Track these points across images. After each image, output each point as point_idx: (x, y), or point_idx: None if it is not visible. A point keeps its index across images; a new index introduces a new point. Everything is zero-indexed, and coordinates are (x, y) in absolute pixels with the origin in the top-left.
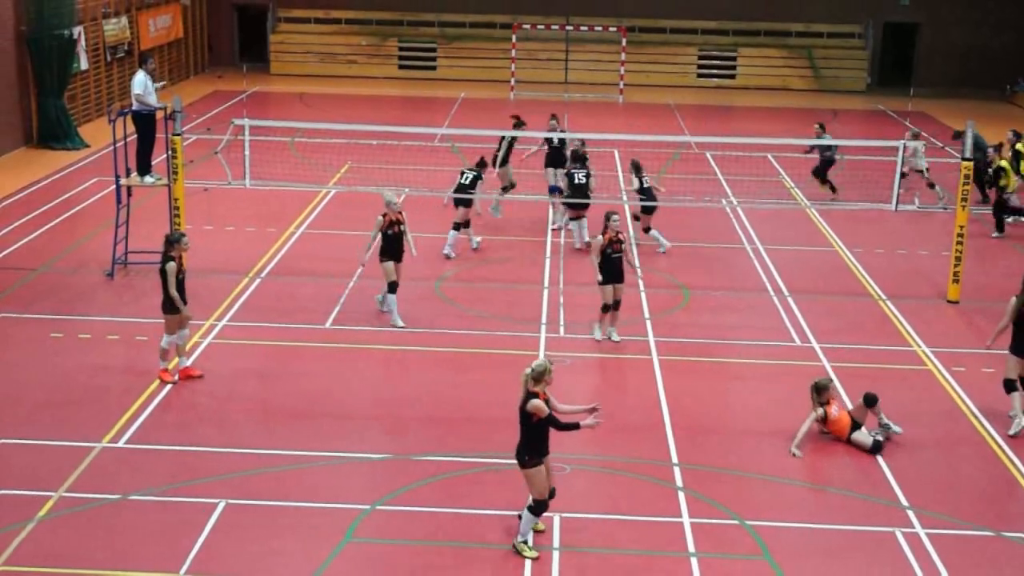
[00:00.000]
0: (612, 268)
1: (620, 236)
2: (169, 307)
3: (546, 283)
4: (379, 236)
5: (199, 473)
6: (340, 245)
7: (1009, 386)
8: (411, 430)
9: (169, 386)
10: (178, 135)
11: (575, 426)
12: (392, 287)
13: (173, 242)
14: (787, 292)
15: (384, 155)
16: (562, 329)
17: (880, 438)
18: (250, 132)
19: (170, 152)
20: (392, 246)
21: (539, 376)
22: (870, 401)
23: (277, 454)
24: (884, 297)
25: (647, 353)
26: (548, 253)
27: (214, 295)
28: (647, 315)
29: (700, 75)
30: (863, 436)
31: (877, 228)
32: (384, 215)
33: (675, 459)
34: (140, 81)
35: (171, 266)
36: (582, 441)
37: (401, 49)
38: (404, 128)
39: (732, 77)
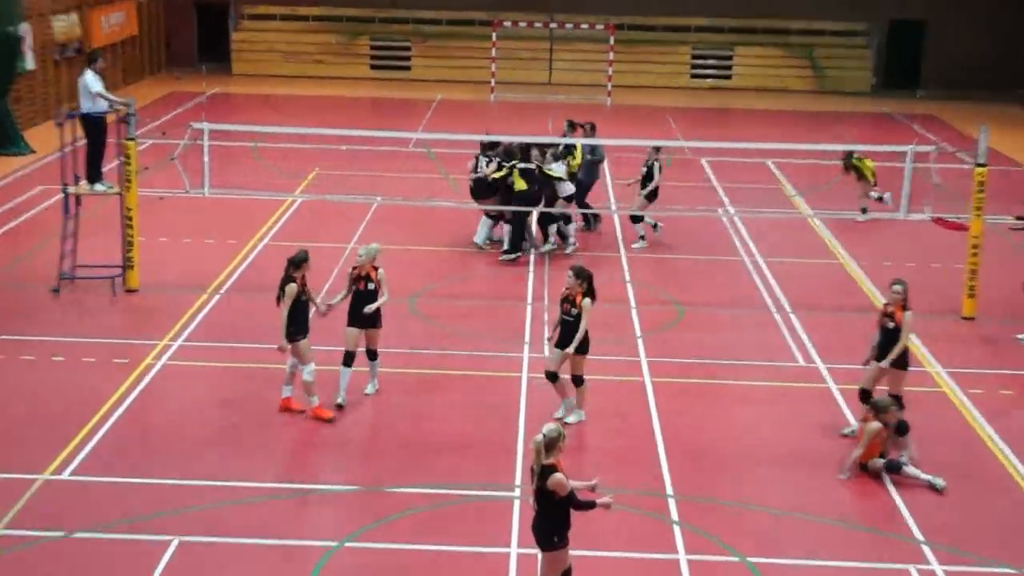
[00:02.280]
0: (562, 331)
1: (572, 295)
2: (294, 332)
3: (530, 299)
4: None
5: (151, 508)
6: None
7: None
8: (384, 459)
9: (119, 412)
10: (132, 140)
11: (591, 505)
12: (348, 359)
13: (296, 263)
14: (789, 308)
15: (355, 161)
16: (546, 348)
17: (903, 459)
18: (210, 137)
19: (123, 158)
20: (359, 306)
21: (552, 444)
22: (902, 430)
23: (237, 486)
24: None
25: (638, 374)
26: (532, 267)
27: (170, 312)
28: (639, 333)
29: (694, 76)
30: (878, 462)
31: (885, 238)
32: (354, 268)
33: (670, 490)
34: (92, 79)
35: (291, 288)
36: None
37: (373, 48)
38: (376, 132)
39: (728, 78)
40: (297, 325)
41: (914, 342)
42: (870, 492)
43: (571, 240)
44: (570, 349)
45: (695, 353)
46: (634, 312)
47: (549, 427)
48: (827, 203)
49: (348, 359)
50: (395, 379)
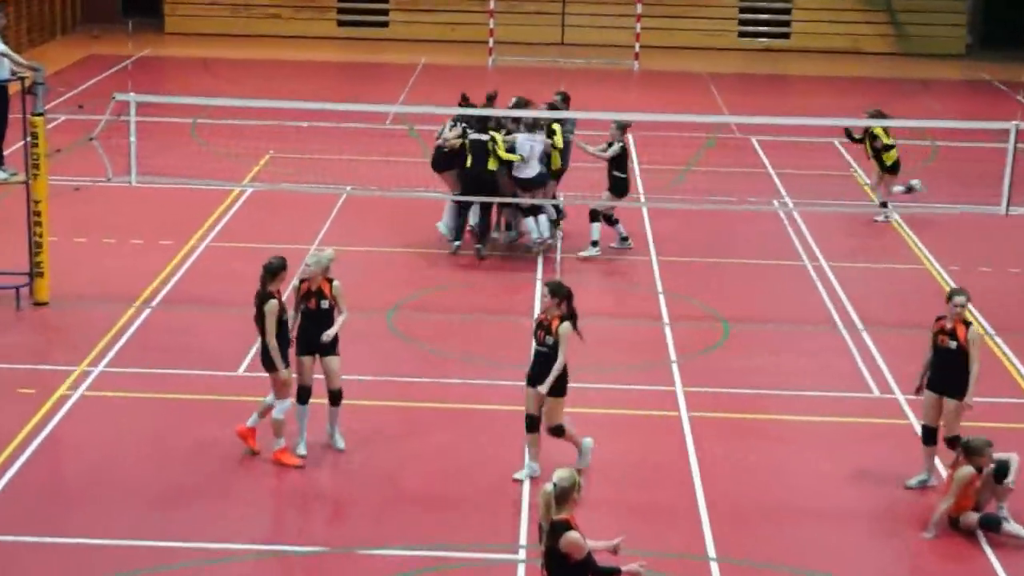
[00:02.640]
0: (535, 365)
1: (548, 320)
2: (271, 361)
3: (536, 313)
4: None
5: (68, 575)
6: (258, 263)
7: None
8: (355, 514)
9: (25, 456)
10: (40, 115)
11: (615, 571)
12: (303, 394)
13: (273, 272)
14: (861, 325)
15: (318, 141)
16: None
17: (1003, 514)
18: (137, 111)
19: (29, 138)
20: (311, 330)
21: (565, 495)
22: (1001, 473)
23: (175, 547)
24: (991, 331)
25: (674, 408)
26: (539, 273)
27: (88, 331)
28: (674, 357)
29: (743, 34)
30: (971, 517)
31: (982, 239)
32: (302, 281)
33: (712, 552)
34: None
35: (271, 306)
36: (594, 527)
37: (341, 0)
38: (345, 106)
39: (786, 36)
40: (281, 350)
41: (1018, 367)
42: (961, 554)
43: (534, 236)
44: (542, 388)
45: (743, 382)
46: (668, 331)
47: (561, 474)
48: (911, 195)
49: (303, 394)
50: (373, 414)
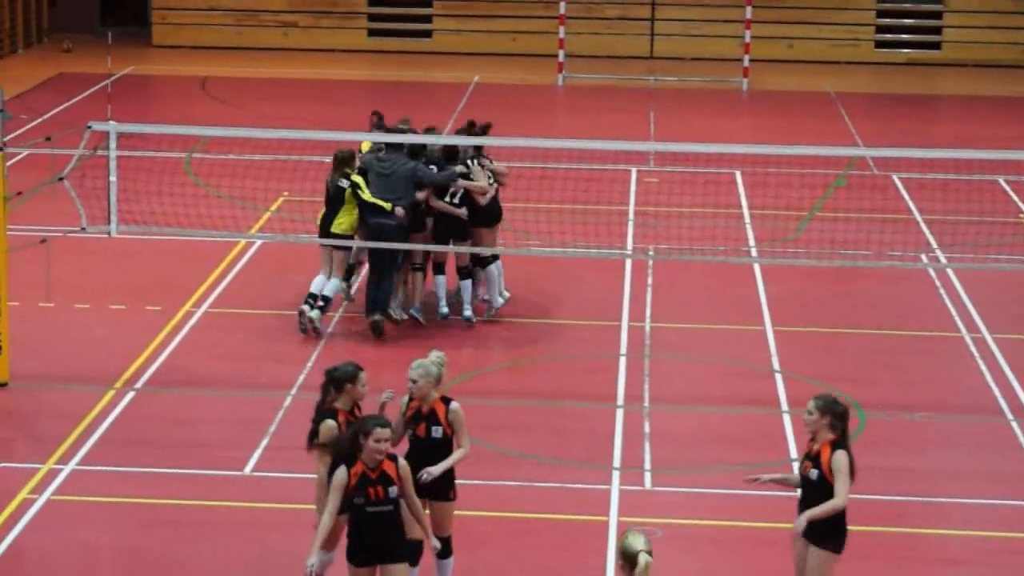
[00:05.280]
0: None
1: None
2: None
3: (620, 397)
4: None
5: None
6: (269, 334)
7: None
8: None
9: None
10: None
11: None
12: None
13: (337, 381)
14: None
15: None
16: (648, 479)
17: None
18: (119, 144)
19: None
20: (420, 467)
21: (631, 561)
22: None
23: None
24: None
25: (793, 518)
26: (624, 344)
27: (57, 420)
28: (794, 454)
29: (881, 44)
30: None
31: None
32: (411, 399)
33: None
34: None
35: (328, 428)
36: None
37: (372, 3)
38: (379, 136)
39: (935, 47)
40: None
41: None
42: None
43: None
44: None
45: (882, 486)
46: (787, 419)
47: (631, 540)
48: None
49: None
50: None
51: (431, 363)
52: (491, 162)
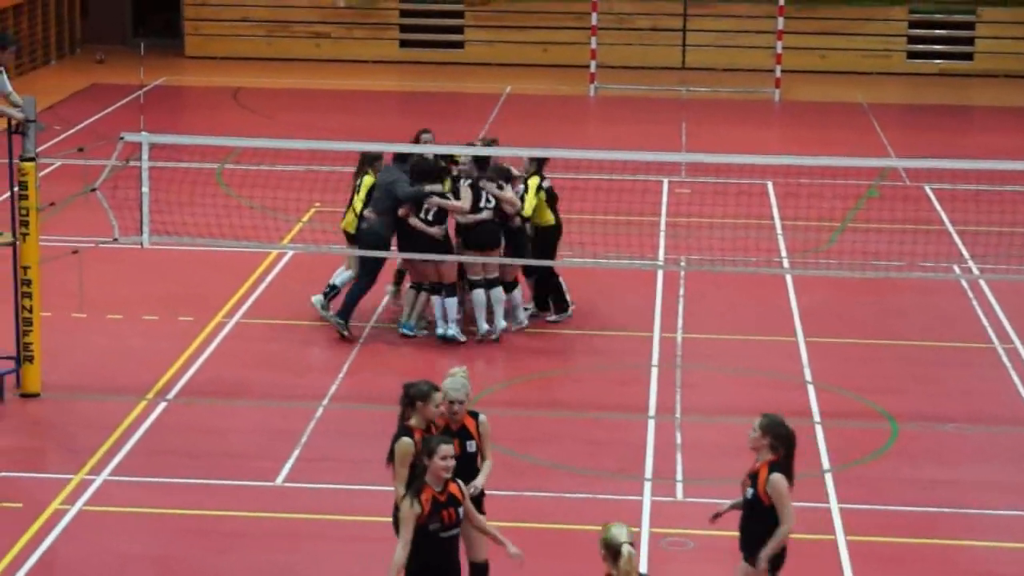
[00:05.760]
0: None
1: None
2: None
3: (652, 407)
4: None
5: None
6: (300, 345)
7: None
8: None
9: None
10: (31, 160)
11: None
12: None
13: (411, 399)
14: None
15: None
16: (679, 489)
17: None
18: (151, 154)
19: (16, 188)
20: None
21: (615, 553)
22: None
23: None
24: None
25: (829, 531)
26: (656, 355)
27: (89, 430)
28: (827, 465)
29: (913, 55)
30: None
31: None
32: (453, 410)
33: None
34: None
35: (404, 446)
36: None
37: (404, 14)
38: (410, 147)
39: (968, 58)
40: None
41: None
42: None
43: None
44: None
45: (915, 498)
46: (819, 431)
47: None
48: None
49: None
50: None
51: (464, 380)
52: (500, 187)
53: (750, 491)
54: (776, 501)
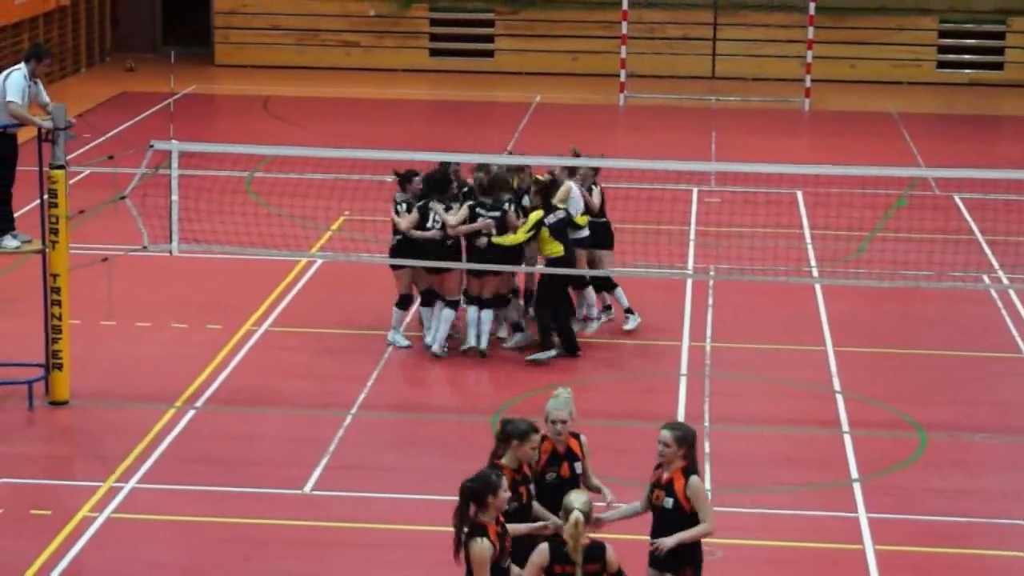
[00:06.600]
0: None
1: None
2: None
3: (681, 418)
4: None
5: None
6: (329, 353)
7: None
8: None
9: None
10: (61, 167)
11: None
12: None
13: (514, 436)
14: None
15: None
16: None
17: None
18: (181, 162)
19: (46, 196)
20: (554, 500)
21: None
22: None
23: None
24: None
25: (856, 540)
26: (684, 364)
27: (118, 438)
28: (855, 474)
29: (943, 64)
30: None
31: None
32: (556, 430)
33: None
34: (16, 84)
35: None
36: None
37: (434, 23)
38: (439, 155)
39: (998, 67)
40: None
41: None
42: None
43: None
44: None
45: (944, 507)
46: (848, 440)
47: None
48: None
49: None
50: None
51: (567, 399)
52: (448, 208)
53: (669, 501)
54: (698, 504)
